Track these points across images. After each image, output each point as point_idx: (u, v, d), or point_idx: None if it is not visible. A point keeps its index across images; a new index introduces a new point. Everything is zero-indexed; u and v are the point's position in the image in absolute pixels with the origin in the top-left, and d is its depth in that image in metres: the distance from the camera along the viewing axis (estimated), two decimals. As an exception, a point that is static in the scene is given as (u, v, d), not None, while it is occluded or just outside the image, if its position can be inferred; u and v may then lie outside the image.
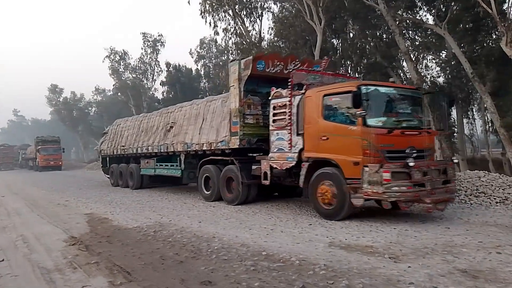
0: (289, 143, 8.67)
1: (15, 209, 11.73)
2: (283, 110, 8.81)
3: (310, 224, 7.47)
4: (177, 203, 11.14)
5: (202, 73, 41.53)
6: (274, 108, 9.10)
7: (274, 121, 9.10)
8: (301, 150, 8.41)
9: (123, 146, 16.71)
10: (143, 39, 40.17)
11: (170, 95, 40.27)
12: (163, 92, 41.96)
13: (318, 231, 6.91)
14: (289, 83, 8.77)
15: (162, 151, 13.64)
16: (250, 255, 5.53)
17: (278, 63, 10.22)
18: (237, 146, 10.05)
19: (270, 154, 9.15)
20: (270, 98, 9.28)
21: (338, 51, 22.94)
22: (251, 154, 10.51)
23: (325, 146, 7.88)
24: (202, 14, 24.85)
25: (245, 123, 10.04)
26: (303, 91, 8.52)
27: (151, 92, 42.28)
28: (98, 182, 20.87)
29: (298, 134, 8.49)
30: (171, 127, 13.49)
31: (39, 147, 40.50)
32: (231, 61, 10.60)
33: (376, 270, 4.82)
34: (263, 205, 10.05)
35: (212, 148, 11.02)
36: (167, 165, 13.73)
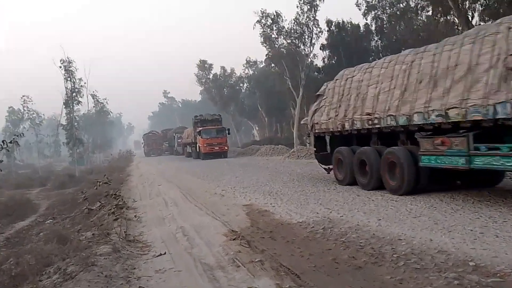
0: None
1: (172, 199, 13.58)
2: None
3: (541, 228, 6.63)
4: (348, 195, 11.22)
5: (373, 28, 40.44)
6: None
7: None
8: None
9: (367, 114, 11.98)
10: (298, -6, 41.07)
11: (333, 61, 40.42)
12: (323, 58, 42.37)
13: (555, 238, 6.08)
14: None
15: (503, 116, 8.03)
16: (451, 265, 5.23)
17: None
18: None
19: None
20: None
21: None
22: None
23: None
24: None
25: None
26: None
27: (309, 60, 43.12)
28: (254, 166, 22.54)
29: None
30: None
31: (200, 128, 39.93)
32: None
33: None
34: (466, 200, 9.34)
35: None
36: None
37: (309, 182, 14.69)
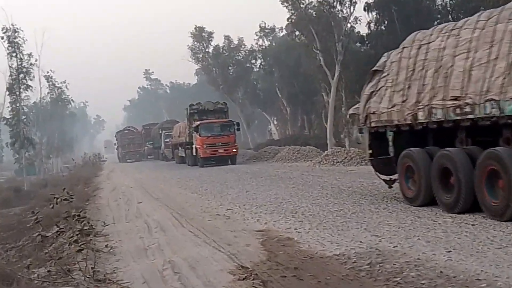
0: None
1: (158, 222, 13.68)
2: None
3: None
4: (405, 217, 11.18)
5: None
6: None
7: None
8: None
9: (453, 98, 11.36)
10: None
11: (382, 27, 40.26)
12: (369, 23, 42.17)
13: None
14: None
15: None
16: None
17: None
18: None
19: None
20: None
21: None
22: None
23: None
24: None
25: None
26: None
27: (349, 25, 43.03)
28: (271, 176, 22.51)
29: None
30: None
31: (197, 123, 40.39)
32: None
33: None
34: None
35: None
36: None
37: (349, 199, 14.67)
